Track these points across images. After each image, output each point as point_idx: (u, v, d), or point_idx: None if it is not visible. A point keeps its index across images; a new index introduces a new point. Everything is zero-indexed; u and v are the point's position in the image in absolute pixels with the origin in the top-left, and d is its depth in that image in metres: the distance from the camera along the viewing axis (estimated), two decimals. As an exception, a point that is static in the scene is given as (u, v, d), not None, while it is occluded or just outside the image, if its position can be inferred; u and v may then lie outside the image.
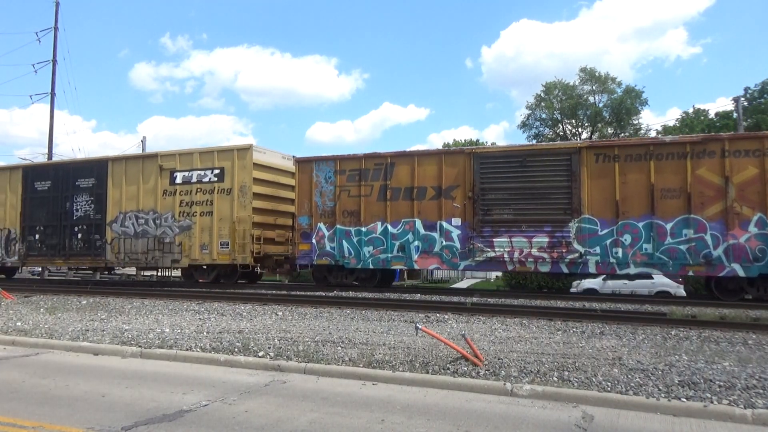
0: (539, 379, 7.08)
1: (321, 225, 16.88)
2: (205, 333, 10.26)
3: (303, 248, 17.13)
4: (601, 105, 45.59)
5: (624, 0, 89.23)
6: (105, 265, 20.33)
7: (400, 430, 5.58)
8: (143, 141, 37.99)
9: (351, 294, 15.74)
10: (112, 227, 19.59)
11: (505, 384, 6.92)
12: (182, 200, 18.60)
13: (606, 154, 14.30)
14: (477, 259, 15.21)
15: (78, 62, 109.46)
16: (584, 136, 45.16)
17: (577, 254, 14.26)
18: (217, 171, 18.26)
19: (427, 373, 7.50)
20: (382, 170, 16.33)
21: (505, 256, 14.92)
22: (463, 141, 51.13)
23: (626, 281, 21.88)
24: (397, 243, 15.98)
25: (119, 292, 17.09)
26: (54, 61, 34.32)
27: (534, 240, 14.69)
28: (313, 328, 10.50)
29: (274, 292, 16.40)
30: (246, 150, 18.00)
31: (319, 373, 7.84)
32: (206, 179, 18.38)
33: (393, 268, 16.75)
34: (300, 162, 17.59)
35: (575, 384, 6.85)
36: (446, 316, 11.60)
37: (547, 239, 14.56)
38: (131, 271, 29.70)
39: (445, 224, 15.54)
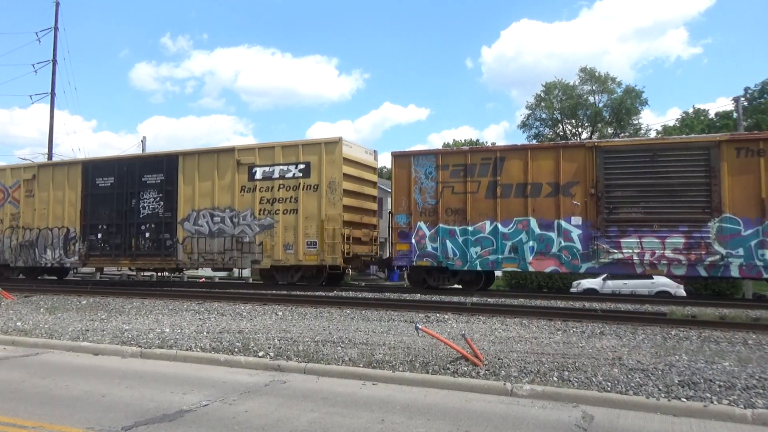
0: (539, 379, 7.08)
1: (421, 224, 15.96)
2: (205, 333, 10.26)
3: (401, 248, 16.17)
4: (601, 105, 45.63)
5: (624, 0, 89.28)
6: (176, 266, 19.11)
7: (400, 430, 5.58)
8: (143, 141, 38.03)
9: (351, 294, 15.75)
10: (184, 226, 18.45)
11: (505, 384, 6.92)
12: (263, 197, 17.53)
13: (749, 149, 13.40)
14: (602, 261, 14.32)
15: (78, 62, 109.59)
16: (584, 136, 45.19)
17: (718, 257, 13.41)
18: (302, 166, 17.14)
19: (427, 373, 7.50)
20: (491, 165, 15.41)
21: (635, 258, 14.02)
22: (463, 141, 51.17)
23: (626, 281, 21.88)
24: (509, 243, 15.06)
25: (119, 292, 17.10)
26: (54, 61, 34.33)
27: (668, 241, 13.76)
28: (313, 328, 10.50)
29: (274, 292, 16.40)
30: (335, 143, 16.98)
31: (319, 373, 7.84)
32: (290, 175, 17.26)
33: (504, 270, 15.94)
34: (397, 156, 16.65)
35: (575, 384, 6.85)
36: (446, 316, 11.60)
37: (683, 240, 13.65)
38: (131, 271, 29.59)
39: (563, 223, 14.64)
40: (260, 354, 8.62)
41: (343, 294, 15.70)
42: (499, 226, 15.20)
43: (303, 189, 17.09)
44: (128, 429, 5.56)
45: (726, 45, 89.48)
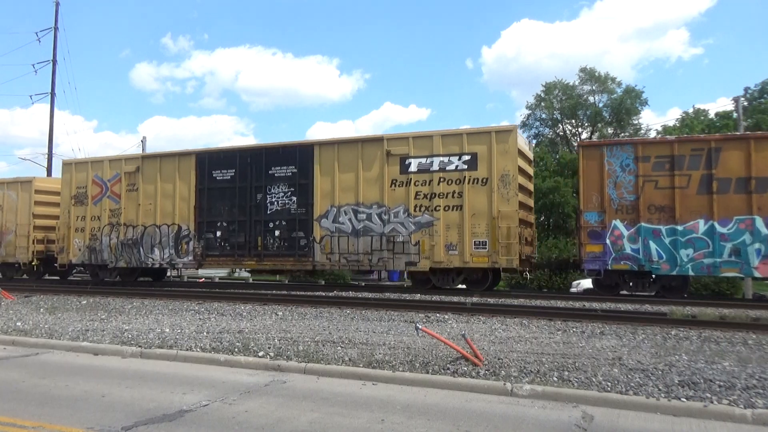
0: (539, 379, 7.08)
1: (617, 222, 14.40)
2: (205, 333, 10.26)
3: (592, 250, 14.57)
4: (601, 105, 45.60)
5: (625, 0, 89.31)
6: (313, 268, 17.15)
7: (400, 430, 5.58)
8: (143, 141, 37.98)
9: (351, 294, 15.75)
10: (321, 223, 16.68)
11: (505, 384, 6.92)
12: (418, 192, 15.84)
13: None
14: None
15: (79, 62, 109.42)
16: (584, 136, 45.19)
17: None
18: (466, 157, 15.49)
19: (427, 373, 7.51)
20: (703, 157, 13.85)
21: None
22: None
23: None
24: (729, 245, 13.52)
25: (119, 292, 17.09)
26: (54, 61, 34.38)
27: None
28: (313, 328, 10.50)
29: (274, 292, 16.40)
30: (508, 132, 15.40)
31: (319, 373, 7.84)
32: (452, 167, 15.60)
33: (723, 275, 14.38)
34: (586, 147, 15.24)
35: (575, 384, 6.85)
36: (446, 316, 11.60)
37: None
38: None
39: None
40: (260, 354, 8.62)
41: (343, 294, 15.70)
42: (716, 225, 13.64)
43: (468, 183, 15.46)
44: (128, 429, 5.56)
45: (726, 45, 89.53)
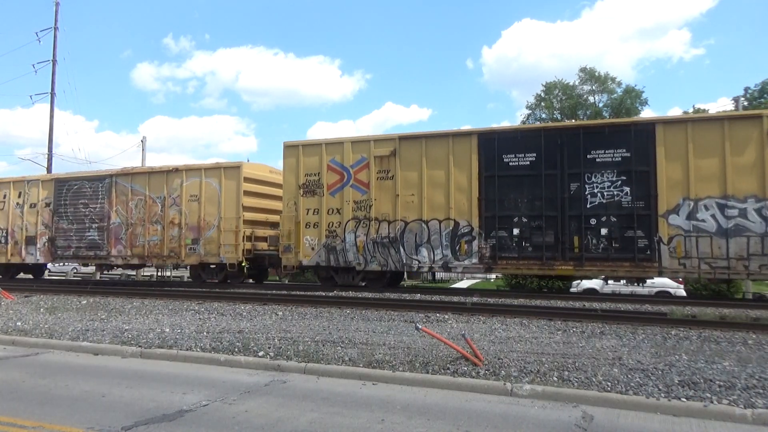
0: (539, 378, 7.08)
1: None
2: (205, 333, 10.26)
3: None
4: (601, 105, 45.59)
5: (626, 0, 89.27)
6: (659, 273, 14.16)
7: (400, 430, 5.58)
8: (143, 141, 37.99)
9: (351, 294, 15.71)
10: (669, 220, 13.71)
11: (505, 384, 6.92)
12: None
13: None
14: None
15: (80, 63, 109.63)
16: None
17: None
18: None
19: (427, 373, 7.51)
20: None
21: None
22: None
23: (626, 281, 21.84)
24: None
25: (119, 292, 17.08)
26: (54, 61, 34.34)
27: None
28: (313, 328, 10.50)
29: (274, 292, 16.38)
30: None
31: (319, 373, 7.84)
32: None
33: None
34: None
35: (575, 384, 6.85)
36: (446, 316, 11.59)
37: None
38: (130, 270, 29.35)
39: None
40: (260, 354, 8.62)
41: (343, 294, 15.67)
42: None
43: None
44: (128, 429, 5.56)
45: (727, 45, 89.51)
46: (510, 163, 15.04)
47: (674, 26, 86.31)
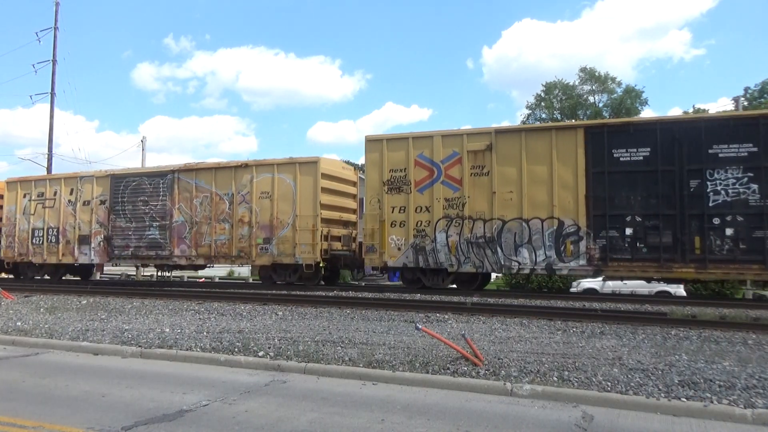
0: (539, 378, 7.08)
1: None
2: (205, 333, 10.26)
3: None
4: (601, 105, 45.61)
5: (626, 0, 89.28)
6: None
7: (400, 430, 5.58)
8: (143, 141, 38.01)
9: (351, 294, 15.72)
10: None
11: (505, 384, 6.92)
12: None
13: None
14: None
15: (81, 63, 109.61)
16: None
17: None
18: None
19: (427, 373, 7.50)
20: None
21: None
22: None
23: (626, 281, 21.83)
24: None
25: (119, 292, 17.08)
26: (54, 61, 34.33)
27: None
28: (313, 328, 10.50)
29: (274, 292, 16.38)
30: None
31: (319, 373, 7.84)
32: None
33: None
34: None
35: (575, 384, 6.85)
36: (446, 316, 11.59)
37: None
38: (131, 270, 29.30)
39: None
40: (260, 354, 8.62)
41: (343, 294, 15.66)
42: None
43: None
44: (128, 429, 5.56)
45: (728, 45, 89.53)
46: (620, 159, 14.08)
47: (675, 26, 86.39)
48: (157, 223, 19.08)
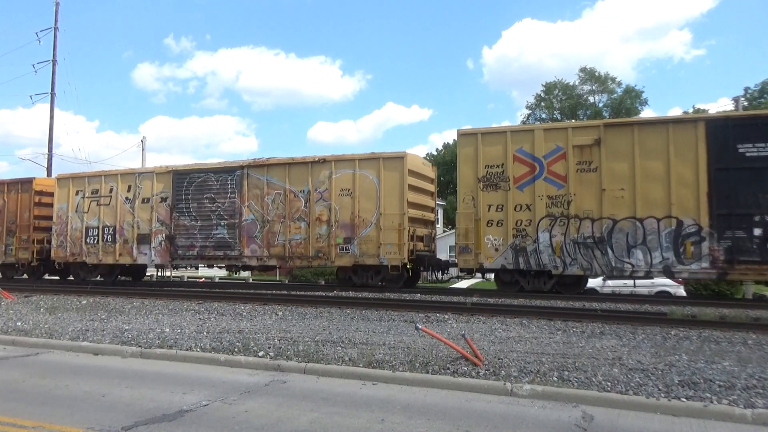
0: (539, 378, 7.08)
1: None
2: (205, 333, 10.26)
3: None
4: (600, 105, 45.64)
5: (626, 1, 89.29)
6: None
7: (400, 430, 5.58)
8: (143, 141, 38.01)
9: (351, 294, 15.72)
10: None
11: (505, 384, 6.92)
12: None
13: None
14: None
15: (81, 63, 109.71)
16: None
17: None
18: None
19: (427, 373, 7.50)
20: None
21: None
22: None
23: (626, 281, 21.81)
24: None
25: (119, 292, 17.08)
26: (54, 61, 34.40)
27: None
28: (313, 328, 10.50)
29: (274, 292, 16.37)
30: None
31: (319, 373, 7.84)
32: None
33: None
34: None
35: (575, 384, 6.85)
36: (446, 316, 11.59)
37: None
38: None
39: None
40: (260, 354, 8.62)
41: (343, 294, 15.67)
42: None
43: None
44: (128, 429, 5.56)
45: (728, 46, 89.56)
46: (747, 154, 13.09)
47: (675, 26, 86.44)
48: (225, 222, 18.13)
